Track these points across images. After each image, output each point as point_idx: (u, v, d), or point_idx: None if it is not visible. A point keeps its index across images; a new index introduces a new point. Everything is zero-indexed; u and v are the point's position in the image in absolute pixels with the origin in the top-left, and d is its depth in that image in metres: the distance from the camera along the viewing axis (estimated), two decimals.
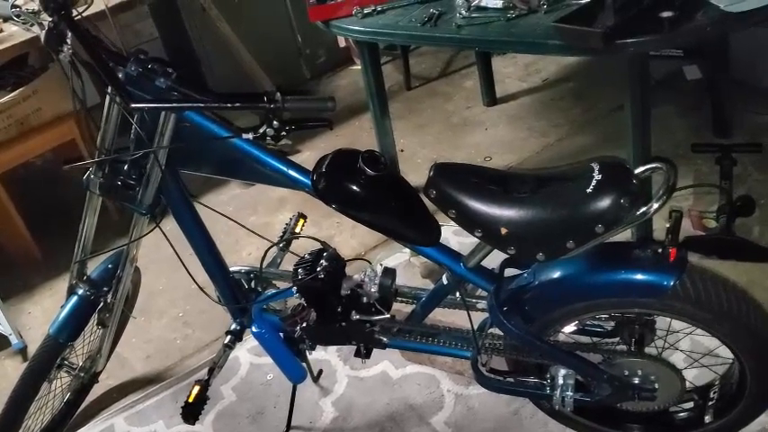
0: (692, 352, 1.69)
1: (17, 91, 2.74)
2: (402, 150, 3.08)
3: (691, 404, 1.66)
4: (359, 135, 3.33)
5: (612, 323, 1.57)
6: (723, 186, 2.30)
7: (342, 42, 3.84)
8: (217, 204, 1.63)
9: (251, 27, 3.51)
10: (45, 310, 2.72)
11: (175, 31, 3.55)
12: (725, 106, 2.70)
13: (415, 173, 2.86)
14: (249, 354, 2.25)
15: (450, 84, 3.62)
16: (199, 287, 1.59)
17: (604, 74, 3.24)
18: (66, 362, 1.95)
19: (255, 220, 2.91)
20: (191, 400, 1.73)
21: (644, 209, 1.26)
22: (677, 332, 1.56)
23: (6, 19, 2.89)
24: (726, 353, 1.51)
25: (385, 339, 1.67)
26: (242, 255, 2.66)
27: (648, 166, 1.30)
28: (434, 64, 3.81)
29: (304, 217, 1.91)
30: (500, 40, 2.02)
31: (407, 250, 2.44)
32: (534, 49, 2.05)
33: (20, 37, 2.75)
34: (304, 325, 1.63)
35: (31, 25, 2.80)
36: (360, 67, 3.88)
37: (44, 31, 1.41)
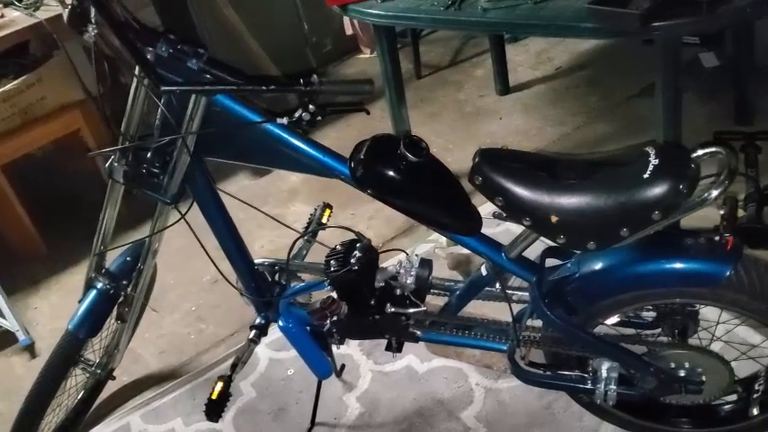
0: (734, 343, 1.64)
1: (20, 79, 2.66)
2: None
3: (735, 396, 1.61)
4: (370, 124, 3.24)
5: (654, 314, 1.52)
6: (750, 174, 2.25)
7: (348, 30, 3.77)
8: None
9: (257, 15, 3.43)
10: (52, 305, 2.64)
11: (179, 18, 3.46)
12: (748, 93, 2.66)
13: None
14: (268, 349, 2.19)
15: (461, 72, 3.55)
16: (224, 278, 1.54)
17: (618, 61, 3.19)
18: (82, 358, 1.88)
19: (267, 212, 2.83)
20: (214, 396, 1.66)
21: (704, 195, 1.20)
22: (717, 324, 1.51)
23: (7, 4, 2.83)
24: None
25: (419, 333, 1.61)
26: (254, 247, 2.57)
27: (708, 150, 1.25)
28: (444, 52, 3.73)
29: (330, 207, 1.83)
30: (528, 23, 1.96)
31: (431, 240, 2.39)
32: (565, 32, 2.00)
33: (21, 23, 2.68)
34: (334, 318, 1.57)
35: (35, 10, 2.74)
36: (367, 56, 3.85)
37: (67, 10, 1.33)
